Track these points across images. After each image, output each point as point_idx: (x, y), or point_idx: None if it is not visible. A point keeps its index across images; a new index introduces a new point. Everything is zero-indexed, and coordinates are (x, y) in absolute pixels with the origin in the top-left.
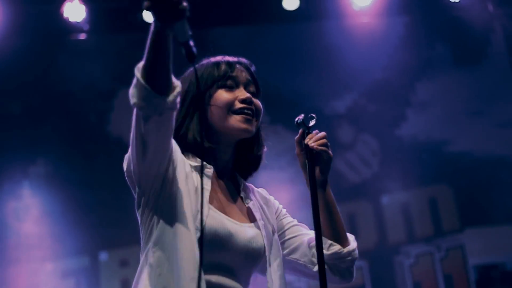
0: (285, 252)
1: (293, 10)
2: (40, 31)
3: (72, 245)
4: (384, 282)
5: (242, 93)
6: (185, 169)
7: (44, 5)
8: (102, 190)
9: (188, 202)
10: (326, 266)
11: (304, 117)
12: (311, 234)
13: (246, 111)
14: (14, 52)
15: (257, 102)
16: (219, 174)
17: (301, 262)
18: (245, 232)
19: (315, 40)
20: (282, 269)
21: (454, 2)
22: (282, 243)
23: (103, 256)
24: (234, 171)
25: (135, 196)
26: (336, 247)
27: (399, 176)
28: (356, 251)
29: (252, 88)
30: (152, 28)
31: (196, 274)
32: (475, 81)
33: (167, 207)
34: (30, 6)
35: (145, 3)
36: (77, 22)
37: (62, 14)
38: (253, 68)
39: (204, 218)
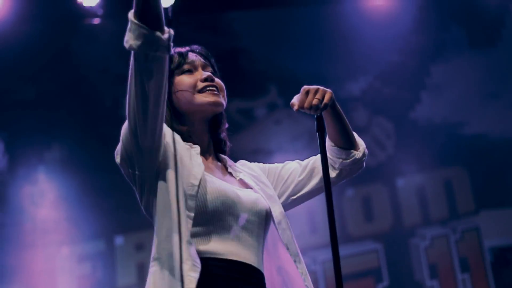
0: (302, 194)
1: None
2: (54, 16)
3: (88, 230)
4: (399, 264)
5: (201, 74)
6: (172, 140)
7: None
8: (117, 175)
9: (185, 169)
10: (344, 171)
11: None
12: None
13: (210, 87)
14: (29, 37)
15: (218, 80)
16: (204, 155)
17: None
18: (248, 194)
19: (329, 23)
20: (289, 225)
21: None
22: (294, 188)
23: (119, 240)
24: (215, 152)
25: (135, 188)
26: (354, 154)
27: (414, 159)
28: (366, 148)
29: (209, 69)
30: None
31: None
32: (490, 63)
33: (165, 184)
34: None
35: None
36: (91, 7)
37: None
38: (207, 53)
39: (207, 183)
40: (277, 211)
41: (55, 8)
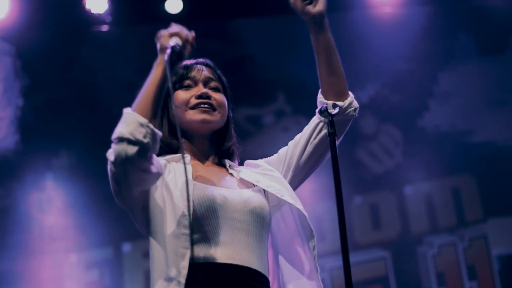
0: (300, 160)
1: None
2: (62, 23)
3: (96, 237)
4: (407, 272)
5: (199, 90)
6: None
7: None
8: None
9: (174, 194)
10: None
11: (327, 105)
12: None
13: (201, 105)
14: (37, 44)
15: (218, 95)
16: (201, 161)
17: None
18: (240, 194)
19: (337, 30)
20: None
21: None
22: (299, 164)
23: (127, 247)
24: (220, 158)
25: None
26: (338, 103)
27: (422, 167)
28: (355, 101)
29: (213, 84)
30: (160, 71)
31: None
32: (498, 71)
33: (157, 208)
34: None
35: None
36: (100, 14)
37: (85, 6)
38: (213, 66)
39: (191, 191)
40: (282, 193)
41: (63, 15)
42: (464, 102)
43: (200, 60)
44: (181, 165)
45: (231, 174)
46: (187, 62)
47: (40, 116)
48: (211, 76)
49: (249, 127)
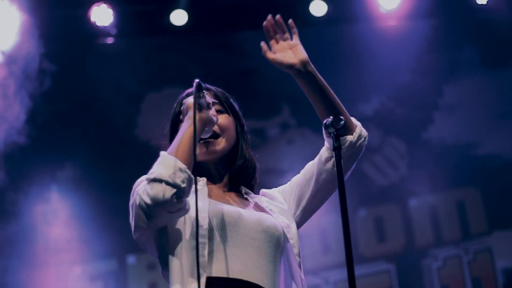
0: (311, 193)
1: (321, 16)
2: (67, 35)
3: (100, 249)
4: (411, 285)
5: None
6: None
7: (72, 9)
8: (130, 194)
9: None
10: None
11: (333, 119)
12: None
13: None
14: (42, 56)
15: (221, 118)
16: (214, 183)
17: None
18: (253, 214)
19: (342, 43)
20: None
21: (482, 4)
22: (310, 197)
23: (131, 259)
24: (235, 184)
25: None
26: (347, 138)
27: (426, 179)
28: (363, 129)
29: (216, 108)
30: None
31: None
32: (503, 84)
33: (172, 236)
34: (58, 11)
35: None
36: (105, 26)
37: (90, 18)
38: (212, 88)
39: (206, 208)
40: (293, 228)
41: (68, 27)
42: (469, 115)
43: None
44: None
45: (246, 198)
46: (188, 90)
47: (45, 128)
48: (215, 100)
49: (254, 139)
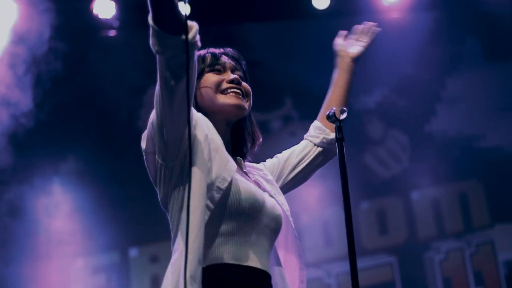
0: (295, 169)
1: (324, 9)
2: (70, 28)
3: (103, 241)
4: (413, 278)
5: (229, 75)
6: (205, 129)
7: (74, 2)
8: (132, 186)
9: (211, 166)
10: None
11: (336, 110)
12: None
13: (234, 89)
14: (45, 48)
15: (245, 84)
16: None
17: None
18: (269, 201)
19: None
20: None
21: None
22: (292, 171)
23: (133, 252)
24: (234, 155)
25: (156, 176)
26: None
27: (429, 172)
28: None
29: (239, 73)
30: None
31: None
32: (505, 76)
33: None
34: (60, 3)
35: None
36: (107, 19)
37: (92, 11)
38: (239, 57)
39: (239, 182)
40: (287, 207)
41: (71, 20)
42: (472, 107)
43: (228, 49)
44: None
45: (246, 173)
46: (214, 50)
47: (47, 120)
48: (236, 65)
49: None
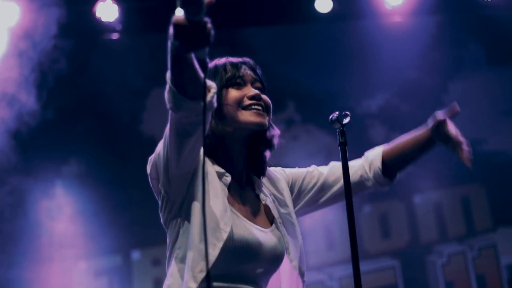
0: (326, 194)
1: (326, 13)
2: (72, 31)
3: (105, 244)
4: (416, 281)
5: (250, 90)
6: (208, 170)
7: (77, 5)
8: (134, 189)
9: (213, 203)
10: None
11: (339, 114)
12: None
13: (255, 106)
14: (47, 52)
15: (266, 97)
16: (237, 178)
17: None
18: (270, 239)
19: (347, 39)
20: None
21: (486, 1)
22: (316, 194)
23: (136, 255)
24: (249, 172)
25: (159, 201)
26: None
27: (431, 176)
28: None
29: (258, 85)
30: (170, 45)
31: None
32: (508, 80)
33: (190, 212)
34: (63, 7)
35: (175, 31)
36: (110, 22)
37: (95, 14)
38: (256, 66)
39: (229, 224)
40: (291, 243)
41: (73, 23)
42: (474, 112)
43: (246, 59)
44: (219, 184)
45: (257, 195)
46: (233, 60)
47: (50, 123)
48: (255, 76)
49: None
